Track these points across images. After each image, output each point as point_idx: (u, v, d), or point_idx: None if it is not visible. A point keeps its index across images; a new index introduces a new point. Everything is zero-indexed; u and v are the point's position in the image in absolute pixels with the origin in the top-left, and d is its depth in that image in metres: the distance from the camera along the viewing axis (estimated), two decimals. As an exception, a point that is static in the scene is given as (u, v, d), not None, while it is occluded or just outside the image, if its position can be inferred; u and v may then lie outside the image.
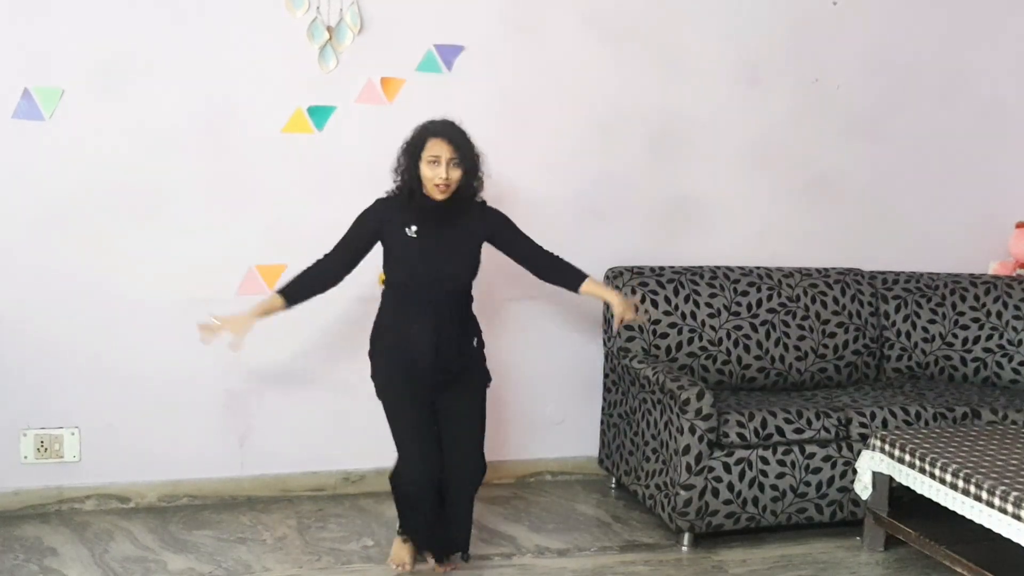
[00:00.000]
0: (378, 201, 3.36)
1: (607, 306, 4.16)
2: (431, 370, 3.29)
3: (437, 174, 3.19)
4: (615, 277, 4.14)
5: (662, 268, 4.19)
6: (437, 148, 3.19)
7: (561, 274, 3.49)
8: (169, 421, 3.89)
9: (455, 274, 3.32)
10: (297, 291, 3.30)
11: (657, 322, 4.06)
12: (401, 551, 3.47)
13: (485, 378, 3.46)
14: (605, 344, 4.20)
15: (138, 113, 3.73)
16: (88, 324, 3.78)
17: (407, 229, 3.26)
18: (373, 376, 3.39)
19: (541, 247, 3.49)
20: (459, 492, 3.41)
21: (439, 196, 3.23)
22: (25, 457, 3.78)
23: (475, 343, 3.42)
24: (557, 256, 3.50)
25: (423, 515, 3.38)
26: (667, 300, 4.09)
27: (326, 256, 3.34)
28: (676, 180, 4.33)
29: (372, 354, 3.39)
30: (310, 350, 4.01)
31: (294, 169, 3.91)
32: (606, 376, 4.20)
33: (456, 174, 3.22)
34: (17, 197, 3.67)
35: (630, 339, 4.05)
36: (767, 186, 4.45)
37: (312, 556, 3.54)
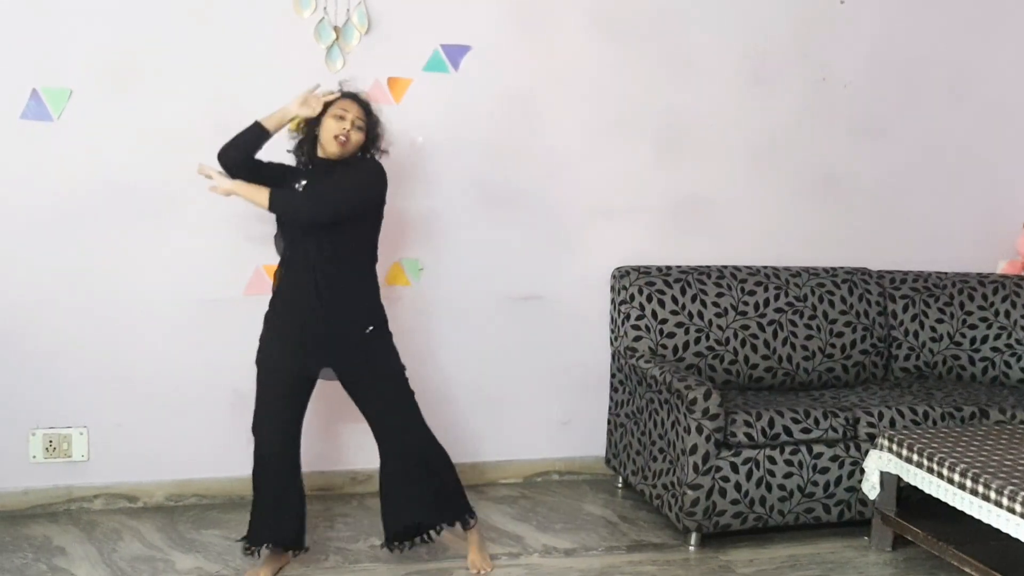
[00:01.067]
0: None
1: (615, 306, 4.16)
2: (312, 341, 3.27)
3: (341, 127, 3.25)
4: (622, 276, 4.14)
5: (669, 268, 4.18)
6: (347, 105, 3.29)
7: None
8: (177, 421, 3.90)
9: (339, 233, 3.26)
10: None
11: (664, 321, 4.06)
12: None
13: (395, 368, 3.37)
14: (612, 343, 4.19)
15: (146, 113, 3.74)
16: (96, 324, 3.79)
17: (296, 185, 3.30)
18: (258, 351, 3.36)
19: (320, 190, 3.27)
20: (397, 475, 3.36)
21: (335, 149, 3.27)
22: (34, 456, 3.80)
23: (368, 329, 3.32)
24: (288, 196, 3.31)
25: (269, 493, 3.32)
26: (674, 300, 4.09)
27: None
28: (683, 179, 4.33)
29: (262, 332, 3.38)
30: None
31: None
32: (613, 375, 4.20)
33: (358, 137, 3.29)
34: (26, 197, 3.69)
35: (637, 338, 4.05)
36: (774, 185, 4.44)
37: (320, 555, 3.54)
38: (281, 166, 3.43)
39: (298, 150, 3.40)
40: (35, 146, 3.67)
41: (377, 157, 3.39)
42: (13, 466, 3.78)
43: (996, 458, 3.32)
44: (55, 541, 3.59)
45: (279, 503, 3.35)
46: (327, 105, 3.31)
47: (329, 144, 3.28)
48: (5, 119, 3.63)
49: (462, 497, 3.47)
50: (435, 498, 3.41)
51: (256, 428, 3.36)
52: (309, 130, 3.34)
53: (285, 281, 3.35)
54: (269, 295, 3.90)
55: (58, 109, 3.68)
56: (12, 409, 3.76)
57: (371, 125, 3.35)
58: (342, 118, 3.27)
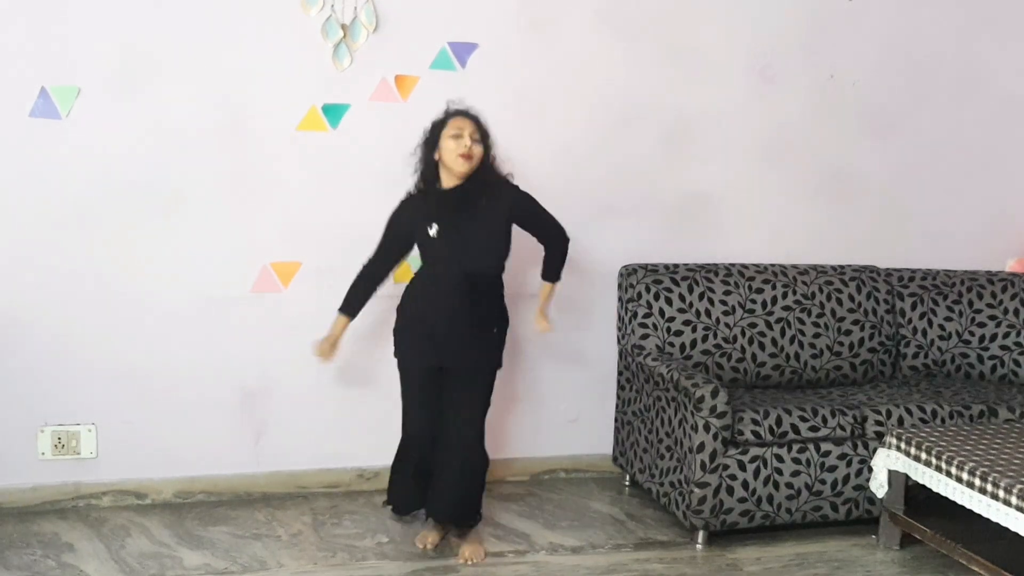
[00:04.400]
0: (403, 201, 3.53)
1: (622, 304, 4.16)
2: (444, 343, 3.45)
3: (461, 143, 3.35)
4: (629, 275, 4.13)
5: (676, 265, 4.18)
6: (460, 123, 3.39)
7: (548, 263, 3.66)
8: (185, 418, 3.91)
9: (479, 263, 3.44)
10: (355, 304, 3.59)
11: (672, 319, 4.06)
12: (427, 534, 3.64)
13: (495, 363, 3.55)
14: (619, 341, 4.19)
15: (154, 112, 3.75)
16: (105, 321, 3.80)
17: (429, 229, 3.41)
18: (395, 346, 3.57)
19: (555, 227, 3.59)
20: (445, 464, 3.51)
21: (463, 168, 3.35)
22: (43, 453, 3.81)
23: (495, 330, 3.51)
24: (561, 249, 3.63)
25: (409, 468, 3.58)
26: (681, 297, 4.09)
27: (370, 262, 3.57)
28: (690, 177, 4.32)
29: (396, 327, 3.56)
30: (325, 347, 4.02)
31: (309, 167, 3.92)
32: (620, 373, 4.20)
33: (478, 149, 3.38)
34: (34, 196, 3.70)
35: (644, 336, 4.05)
36: (782, 183, 4.43)
37: (327, 552, 3.55)
38: (399, 225, 3.51)
39: (421, 184, 3.47)
40: (43, 144, 3.68)
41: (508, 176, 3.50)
42: (22, 463, 3.79)
43: (1005, 456, 3.31)
44: (64, 537, 3.60)
45: (423, 476, 3.58)
46: (441, 129, 3.39)
47: (456, 164, 3.36)
48: (13, 117, 3.65)
49: (479, 502, 3.59)
50: (460, 501, 3.55)
51: (405, 419, 3.59)
52: (427, 163, 3.40)
53: (426, 286, 3.49)
54: (276, 293, 3.94)
55: (66, 107, 3.69)
56: (21, 406, 3.77)
57: (487, 140, 3.43)
58: (459, 136, 3.35)
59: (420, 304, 3.49)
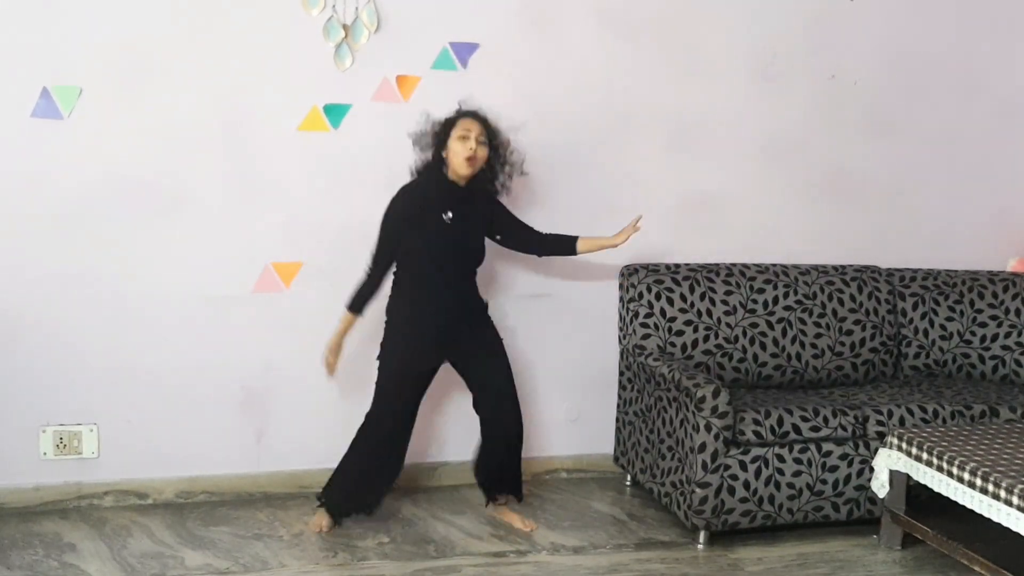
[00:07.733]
0: (402, 192, 3.58)
1: (623, 304, 4.16)
2: (448, 337, 3.60)
3: (467, 146, 3.48)
4: (630, 275, 4.14)
5: (678, 265, 4.18)
6: (468, 124, 3.53)
7: (559, 245, 3.86)
8: (187, 417, 3.91)
9: (477, 253, 3.66)
10: (362, 302, 3.60)
11: (673, 319, 4.06)
12: (321, 518, 3.73)
13: (499, 336, 3.76)
14: (620, 341, 4.19)
15: (155, 111, 3.75)
16: (106, 321, 3.80)
17: (444, 215, 3.53)
18: (383, 342, 3.63)
19: (533, 228, 3.82)
20: (499, 440, 3.71)
21: (466, 170, 3.48)
22: (44, 453, 3.81)
23: (485, 309, 3.74)
24: (546, 234, 3.86)
25: (380, 467, 3.69)
26: (683, 297, 4.09)
27: (373, 265, 3.59)
28: (692, 177, 4.32)
29: (388, 334, 3.63)
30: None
31: (310, 167, 3.92)
32: (621, 373, 4.20)
33: (483, 152, 3.53)
34: (35, 196, 3.70)
35: (645, 336, 4.05)
36: (783, 183, 4.43)
37: (328, 552, 3.55)
38: (402, 214, 3.53)
39: (431, 179, 3.57)
40: (45, 144, 3.68)
41: (510, 180, 3.68)
42: (24, 463, 3.79)
43: (1006, 456, 3.31)
44: (65, 538, 3.60)
45: (369, 476, 3.69)
46: (451, 128, 3.52)
47: (460, 167, 3.50)
48: (15, 117, 3.65)
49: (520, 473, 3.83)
50: (518, 471, 3.80)
51: (381, 415, 3.63)
52: (436, 156, 3.55)
53: (421, 285, 3.58)
54: (277, 293, 3.94)
55: (68, 107, 3.69)
56: (23, 406, 3.77)
57: (496, 143, 3.59)
58: (465, 138, 3.49)
59: (416, 305, 3.58)
